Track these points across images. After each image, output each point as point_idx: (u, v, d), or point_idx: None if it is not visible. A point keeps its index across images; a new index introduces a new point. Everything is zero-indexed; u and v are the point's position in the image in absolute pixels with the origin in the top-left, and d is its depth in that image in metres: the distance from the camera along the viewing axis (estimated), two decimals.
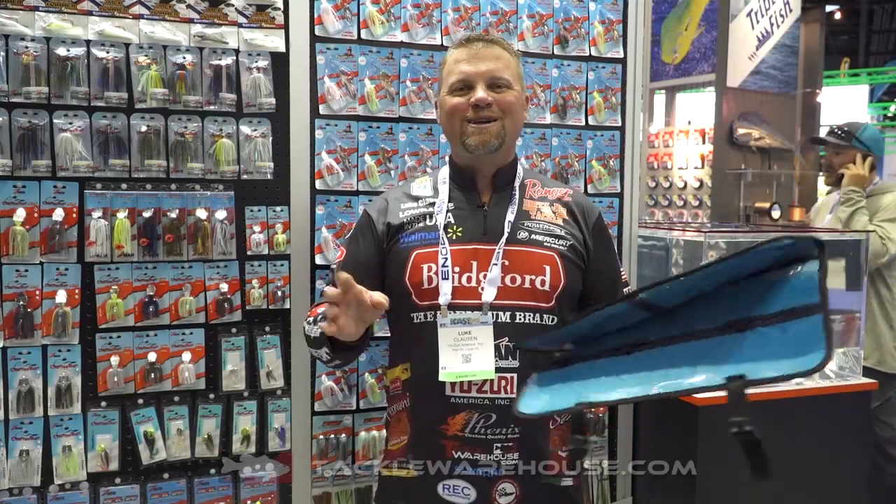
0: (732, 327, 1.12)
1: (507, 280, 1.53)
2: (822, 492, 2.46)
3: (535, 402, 1.31)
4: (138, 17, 1.80)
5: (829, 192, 3.37)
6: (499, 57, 1.58)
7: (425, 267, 1.54)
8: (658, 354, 1.19)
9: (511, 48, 1.63)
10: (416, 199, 1.64)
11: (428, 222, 1.59)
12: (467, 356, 1.47)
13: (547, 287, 1.54)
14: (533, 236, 1.57)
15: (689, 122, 6.89)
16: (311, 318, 1.59)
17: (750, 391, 1.04)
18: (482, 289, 1.52)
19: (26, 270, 1.74)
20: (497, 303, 1.51)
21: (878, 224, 3.17)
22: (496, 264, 1.53)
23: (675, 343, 1.19)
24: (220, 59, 1.86)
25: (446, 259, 1.53)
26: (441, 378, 1.49)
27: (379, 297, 1.36)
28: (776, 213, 5.91)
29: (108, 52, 1.78)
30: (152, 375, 1.84)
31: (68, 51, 1.75)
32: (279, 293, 1.94)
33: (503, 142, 1.57)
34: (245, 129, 1.89)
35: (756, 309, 1.10)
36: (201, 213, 1.86)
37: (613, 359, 1.25)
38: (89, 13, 1.76)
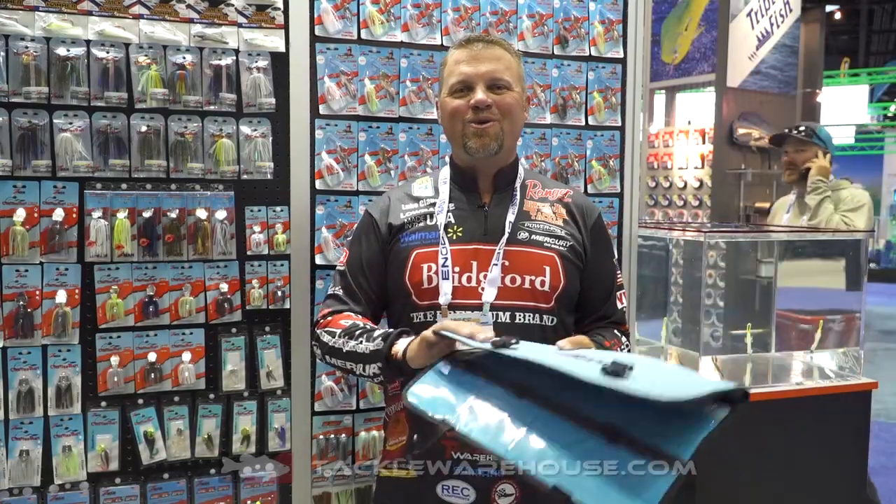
0: (606, 431, 1.10)
1: (507, 280, 1.53)
2: (822, 491, 2.46)
3: (424, 393, 1.28)
4: (138, 17, 1.80)
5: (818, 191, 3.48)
6: (499, 58, 1.58)
7: (425, 267, 1.54)
8: (537, 416, 1.17)
9: (512, 48, 1.63)
10: (418, 199, 1.64)
11: (428, 222, 1.59)
12: None
13: (546, 288, 1.54)
14: (533, 237, 1.57)
15: (689, 122, 6.89)
16: (334, 329, 1.54)
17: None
18: (482, 289, 1.52)
19: (26, 270, 1.74)
20: (497, 303, 1.51)
21: (843, 214, 3.43)
22: (496, 264, 1.53)
23: (556, 412, 1.16)
24: (219, 59, 1.86)
25: (446, 259, 1.53)
26: None
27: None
28: None
29: (107, 52, 1.77)
30: (152, 375, 1.84)
31: (68, 51, 1.75)
32: (279, 293, 1.94)
33: (502, 144, 1.57)
34: (245, 129, 1.89)
35: (638, 428, 1.08)
36: (201, 213, 1.86)
37: (504, 392, 1.23)
38: (89, 13, 1.76)
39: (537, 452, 1.13)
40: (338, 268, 1.68)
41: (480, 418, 1.22)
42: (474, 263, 1.54)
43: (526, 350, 1.25)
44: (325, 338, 1.55)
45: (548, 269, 1.55)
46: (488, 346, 1.27)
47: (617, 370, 1.08)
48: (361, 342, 1.48)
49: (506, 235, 1.55)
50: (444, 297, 1.51)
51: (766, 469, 2.37)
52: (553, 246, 1.57)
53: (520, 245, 1.56)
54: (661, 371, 1.19)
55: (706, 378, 1.15)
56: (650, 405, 1.02)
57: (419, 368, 1.38)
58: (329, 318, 1.59)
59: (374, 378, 1.50)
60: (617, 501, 1.02)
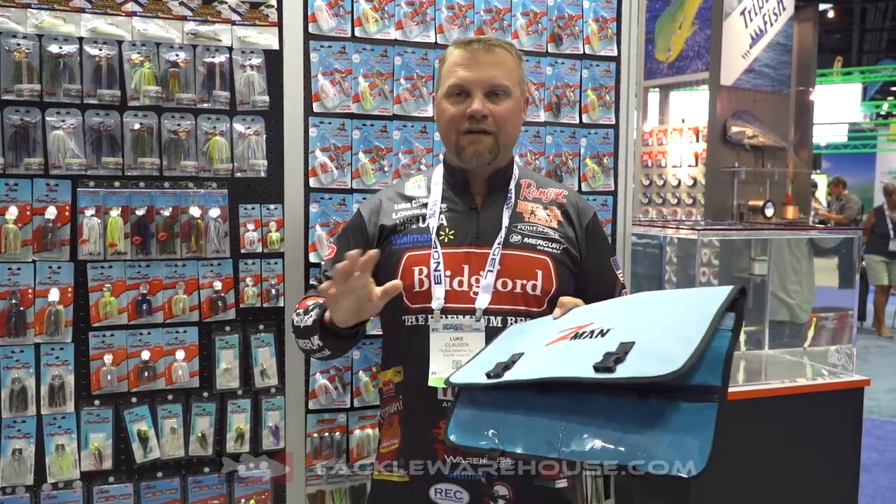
0: (634, 392, 1.10)
1: (499, 285, 1.52)
2: (815, 488, 2.47)
3: (463, 431, 1.31)
4: (131, 14, 1.79)
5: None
6: (500, 63, 1.56)
7: (416, 269, 1.53)
8: (567, 407, 1.17)
9: (514, 50, 1.61)
10: (410, 199, 1.64)
11: (420, 224, 1.58)
12: (458, 362, 1.46)
13: (538, 292, 1.53)
14: (525, 240, 1.56)
15: (683, 121, 6.91)
16: (300, 310, 1.59)
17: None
18: (474, 293, 1.51)
19: (19, 269, 1.74)
20: (489, 307, 1.50)
21: None
22: (491, 271, 1.52)
23: (583, 393, 1.16)
24: (213, 57, 1.86)
25: (439, 263, 1.52)
26: (431, 383, 1.49)
27: (389, 286, 1.38)
28: (769, 211, 5.95)
29: (100, 50, 1.77)
30: (146, 374, 1.84)
31: (60, 48, 1.74)
32: (273, 291, 1.93)
33: (497, 155, 1.56)
34: (239, 126, 1.89)
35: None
36: (195, 211, 1.85)
37: (529, 394, 1.23)
38: (82, 10, 1.75)
39: (583, 440, 1.13)
40: (322, 263, 1.69)
41: (520, 432, 1.22)
42: (466, 267, 1.53)
43: (521, 367, 1.26)
44: (295, 320, 1.60)
45: (540, 272, 1.54)
46: (484, 379, 1.29)
47: (608, 365, 1.09)
48: (310, 317, 1.52)
49: (499, 240, 1.54)
50: (437, 302, 1.50)
51: (759, 466, 2.38)
52: (546, 249, 1.56)
53: (512, 248, 1.55)
54: (661, 320, 1.18)
55: (705, 299, 1.14)
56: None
57: (352, 327, 1.44)
58: (301, 301, 1.64)
59: (322, 350, 1.55)
60: (674, 452, 1.03)
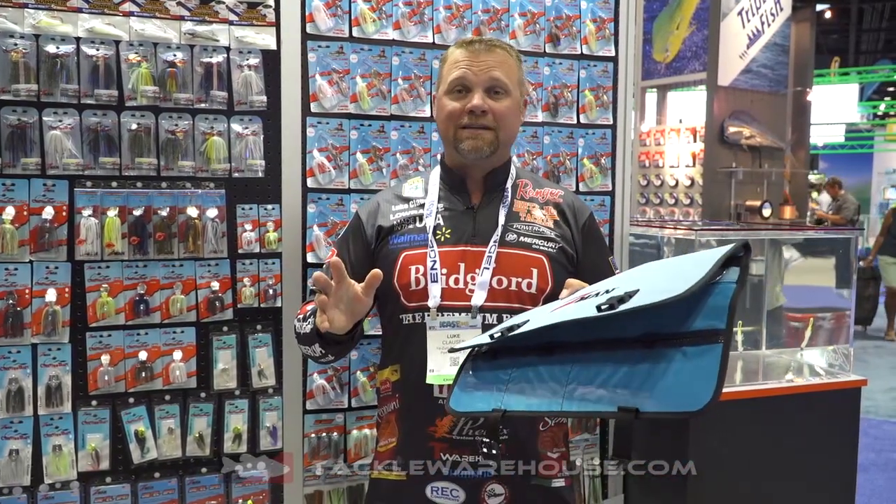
0: (640, 343, 1.11)
1: (494, 282, 1.53)
2: (811, 488, 2.47)
3: (464, 397, 1.31)
4: (128, 14, 1.79)
5: None
6: (501, 62, 1.58)
7: (413, 269, 1.54)
8: (573, 361, 1.19)
9: (514, 51, 1.63)
10: (407, 200, 1.64)
11: (417, 224, 1.59)
12: (455, 359, 1.47)
13: (534, 290, 1.54)
14: (521, 238, 1.57)
15: (681, 121, 6.92)
16: (300, 316, 1.61)
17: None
18: (470, 290, 1.52)
19: (16, 269, 1.73)
20: (484, 305, 1.51)
21: None
22: (487, 268, 1.52)
23: (589, 350, 1.17)
24: (210, 57, 1.85)
25: (435, 262, 1.53)
26: (429, 381, 1.49)
27: (368, 277, 1.38)
28: (767, 211, 5.95)
29: (97, 50, 1.76)
30: (143, 374, 1.84)
31: (58, 48, 1.73)
32: (270, 291, 1.93)
33: (495, 150, 1.58)
34: (236, 126, 1.89)
35: (668, 325, 1.08)
36: (192, 212, 1.85)
37: (535, 357, 1.25)
38: (79, 10, 1.75)
39: (587, 392, 1.14)
40: (323, 265, 1.69)
41: (525, 392, 1.23)
42: (462, 265, 1.54)
43: (526, 328, 1.26)
44: (296, 326, 1.62)
45: (535, 271, 1.55)
46: (487, 339, 1.30)
47: (612, 303, 1.09)
48: (308, 323, 1.54)
49: (495, 238, 1.55)
50: (434, 300, 1.51)
51: (756, 466, 2.38)
52: (542, 248, 1.57)
53: (508, 247, 1.56)
54: (663, 274, 1.19)
55: (707, 255, 1.14)
56: (669, 304, 1.04)
57: (348, 332, 1.44)
58: (302, 307, 1.66)
59: (325, 356, 1.57)
60: (680, 393, 1.03)
